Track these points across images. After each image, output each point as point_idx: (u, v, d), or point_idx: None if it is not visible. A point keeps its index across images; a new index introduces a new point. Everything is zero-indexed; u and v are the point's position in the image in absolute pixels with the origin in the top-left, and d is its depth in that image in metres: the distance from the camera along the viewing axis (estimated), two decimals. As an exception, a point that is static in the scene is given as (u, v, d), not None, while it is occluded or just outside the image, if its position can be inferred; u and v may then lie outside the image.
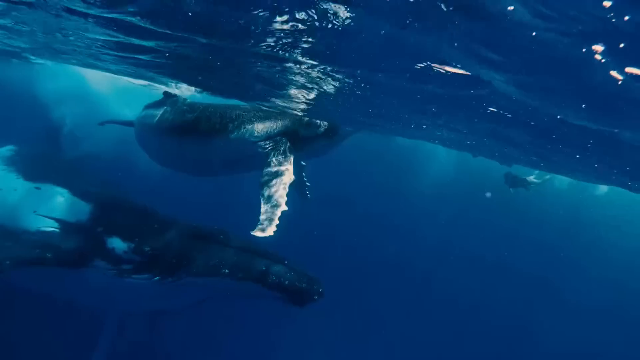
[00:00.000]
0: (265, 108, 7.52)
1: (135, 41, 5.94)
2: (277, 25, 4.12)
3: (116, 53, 7.29)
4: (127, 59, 7.74)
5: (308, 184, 8.19)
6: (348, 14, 3.52)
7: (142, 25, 4.92)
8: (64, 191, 5.67)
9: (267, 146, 6.50)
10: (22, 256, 4.88)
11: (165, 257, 5.21)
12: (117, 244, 5.18)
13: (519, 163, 12.65)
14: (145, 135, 8.01)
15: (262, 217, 5.45)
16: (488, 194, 21.07)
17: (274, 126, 6.68)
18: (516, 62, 3.78)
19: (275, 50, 4.88)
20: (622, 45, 2.88)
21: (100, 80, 13.97)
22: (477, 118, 6.57)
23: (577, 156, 7.58)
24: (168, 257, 5.22)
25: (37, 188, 5.74)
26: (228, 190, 13.03)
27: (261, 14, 3.90)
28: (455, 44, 3.69)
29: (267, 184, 5.86)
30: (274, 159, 6.21)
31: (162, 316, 7.45)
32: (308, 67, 5.43)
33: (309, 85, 6.51)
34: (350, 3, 3.31)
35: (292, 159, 6.25)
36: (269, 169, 6.08)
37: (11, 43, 8.61)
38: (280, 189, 5.76)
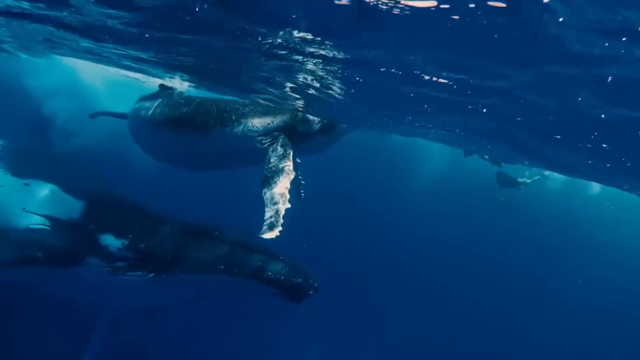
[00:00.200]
0: (264, 103, 7.41)
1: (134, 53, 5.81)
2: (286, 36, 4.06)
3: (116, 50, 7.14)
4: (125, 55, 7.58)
5: (303, 182, 8.10)
6: None
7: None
8: (55, 187, 5.52)
9: (265, 141, 6.42)
10: (11, 256, 4.74)
11: (159, 254, 5.13)
12: (110, 241, 5.08)
13: (516, 161, 12.69)
14: (140, 128, 7.83)
15: (266, 217, 5.38)
16: (502, 198, 21.17)
17: (272, 121, 6.59)
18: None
19: (278, 50, 4.81)
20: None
21: (91, 73, 13.72)
22: (480, 119, 6.53)
23: (587, 154, 7.44)
24: (162, 253, 5.14)
25: (26, 184, 5.57)
26: (223, 185, 12.93)
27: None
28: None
29: (268, 181, 5.78)
30: (273, 156, 6.12)
31: (156, 314, 7.34)
32: (311, 63, 5.32)
33: (309, 82, 6.42)
34: None
35: (291, 154, 6.16)
36: (269, 166, 6.00)
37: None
38: (282, 187, 5.70)
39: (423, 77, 4.80)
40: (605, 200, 22.54)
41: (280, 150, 6.19)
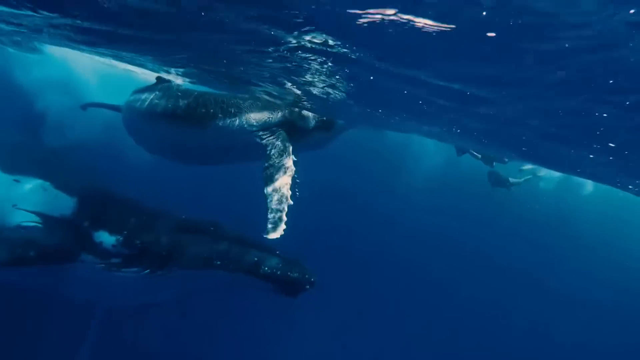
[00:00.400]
0: (263, 98, 7.31)
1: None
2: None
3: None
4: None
5: (297, 180, 8.06)
6: None
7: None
8: (46, 183, 5.41)
9: (264, 136, 6.36)
10: (2, 256, 4.63)
11: (155, 250, 5.08)
12: (104, 237, 5.02)
13: (512, 159, 12.74)
14: (135, 121, 7.67)
15: (270, 217, 5.37)
16: (494, 198, 21.40)
17: (272, 116, 6.54)
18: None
19: (289, 52, 4.76)
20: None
21: (83, 66, 13.51)
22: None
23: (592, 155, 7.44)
24: (158, 249, 5.09)
25: (16, 180, 5.45)
26: (219, 180, 12.84)
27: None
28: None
29: (270, 178, 5.75)
30: (274, 152, 6.07)
31: (151, 310, 7.30)
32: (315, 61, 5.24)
33: (313, 81, 6.37)
34: None
35: (291, 150, 6.11)
36: (270, 162, 5.97)
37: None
38: (284, 184, 5.67)
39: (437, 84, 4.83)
40: (599, 200, 22.89)
41: (280, 146, 6.14)
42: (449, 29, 3.24)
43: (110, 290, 5.40)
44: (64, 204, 5.22)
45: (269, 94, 7.37)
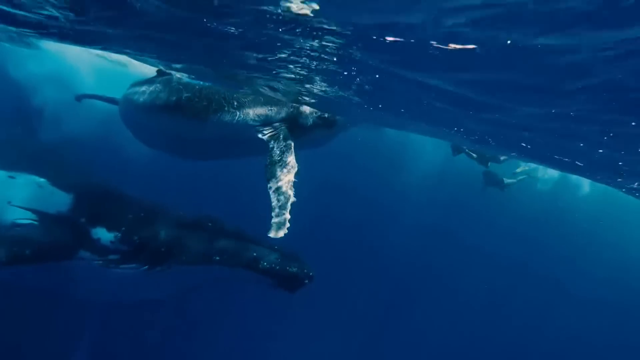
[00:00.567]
0: (265, 93, 7.26)
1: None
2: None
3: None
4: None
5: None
6: None
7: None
8: (42, 180, 5.33)
9: (266, 132, 6.30)
10: None
11: (153, 246, 5.05)
12: (102, 234, 4.97)
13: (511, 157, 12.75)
14: (134, 113, 7.53)
15: (273, 217, 5.36)
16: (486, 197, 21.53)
17: (274, 112, 6.48)
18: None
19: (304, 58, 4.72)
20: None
21: (79, 60, 13.35)
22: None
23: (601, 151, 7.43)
24: (156, 245, 5.06)
25: (12, 177, 5.37)
26: (218, 175, 12.78)
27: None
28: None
29: (273, 176, 5.71)
30: (276, 148, 6.02)
31: (150, 309, 7.26)
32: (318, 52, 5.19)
33: (320, 86, 6.34)
34: None
35: (293, 146, 6.07)
36: (272, 159, 5.93)
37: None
38: (286, 181, 5.64)
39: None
40: (595, 201, 23.10)
41: (282, 142, 6.10)
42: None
43: (109, 287, 5.35)
44: (60, 200, 5.15)
45: (272, 89, 7.30)
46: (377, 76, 5.24)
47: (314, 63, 5.31)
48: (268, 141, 6.17)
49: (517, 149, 8.95)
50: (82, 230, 4.95)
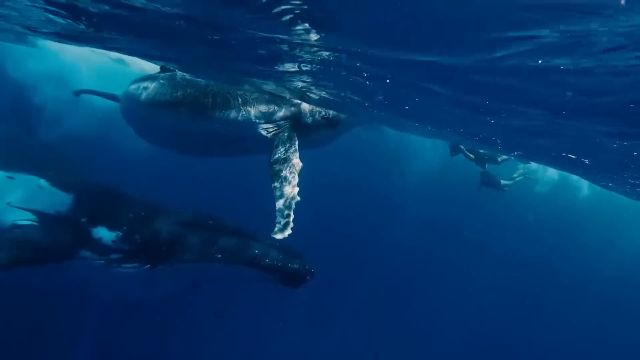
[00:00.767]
0: (270, 91, 7.24)
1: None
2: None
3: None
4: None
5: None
6: None
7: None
8: (41, 180, 5.28)
9: (270, 129, 6.26)
10: None
11: (155, 245, 5.02)
12: (103, 233, 4.94)
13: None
14: (136, 109, 7.44)
15: (278, 217, 5.33)
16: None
17: (278, 110, 6.44)
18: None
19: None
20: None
21: (78, 58, 13.28)
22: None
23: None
24: (158, 244, 5.03)
25: (11, 177, 5.31)
26: (219, 173, 12.72)
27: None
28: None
29: (277, 175, 5.68)
30: (280, 146, 5.99)
31: (151, 309, 7.22)
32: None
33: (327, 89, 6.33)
34: None
35: (297, 145, 6.04)
36: (276, 157, 5.88)
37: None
38: (291, 179, 5.61)
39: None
40: (595, 202, 23.26)
41: (287, 140, 6.06)
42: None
43: (111, 287, 5.32)
44: (60, 200, 5.10)
45: (277, 87, 7.28)
46: (400, 90, 5.26)
47: (326, 74, 5.31)
48: (272, 139, 6.13)
49: (525, 149, 8.95)
50: (83, 230, 4.92)
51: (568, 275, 24.06)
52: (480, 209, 24.03)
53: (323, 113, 6.78)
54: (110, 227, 4.95)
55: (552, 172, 20.22)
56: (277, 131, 6.24)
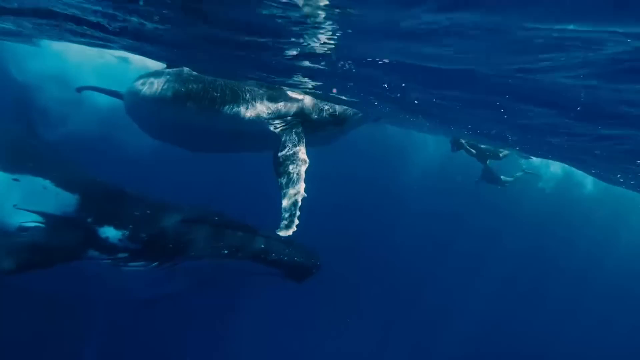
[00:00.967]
0: (278, 87, 7.22)
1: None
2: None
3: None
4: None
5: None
6: None
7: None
8: (46, 181, 5.27)
9: (278, 126, 6.23)
10: (6, 263, 4.48)
11: (161, 242, 5.03)
12: (110, 232, 4.94)
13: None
14: (142, 105, 7.36)
15: (284, 214, 5.33)
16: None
17: (287, 106, 6.40)
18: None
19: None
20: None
21: (81, 57, 13.27)
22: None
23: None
24: (164, 242, 5.04)
25: (16, 179, 5.31)
26: (224, 169, 12.73)
27: None
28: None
29: (284, 171, 5.67)
30: (288, 142, 5.96)
31: (154, 309, 7.23)
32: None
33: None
34: None
35: (304, 141, 6.04)
36: (284, 153, 5.86)
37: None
38: (298, 176, 5.61)
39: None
40: (597, 200, 23.21)
41: (294, 136, 6.04)
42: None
43: (119, 286, 5.34)
44: (65, 201, 5.09)
45: (288, 84, 7.26)
46: (417, 96, 5.27)
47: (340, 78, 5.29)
48: (280, 135, 6.10)
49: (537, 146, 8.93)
50: (90, 230, 4.92)
51: (573, 268, 24.03)
52: (485, 204, 24.02)
53: (330, 110, 6.74)
54: (117, 226, 4.96)
55: (556, 168, 20.18)
56: (285, 127, 6.21)
